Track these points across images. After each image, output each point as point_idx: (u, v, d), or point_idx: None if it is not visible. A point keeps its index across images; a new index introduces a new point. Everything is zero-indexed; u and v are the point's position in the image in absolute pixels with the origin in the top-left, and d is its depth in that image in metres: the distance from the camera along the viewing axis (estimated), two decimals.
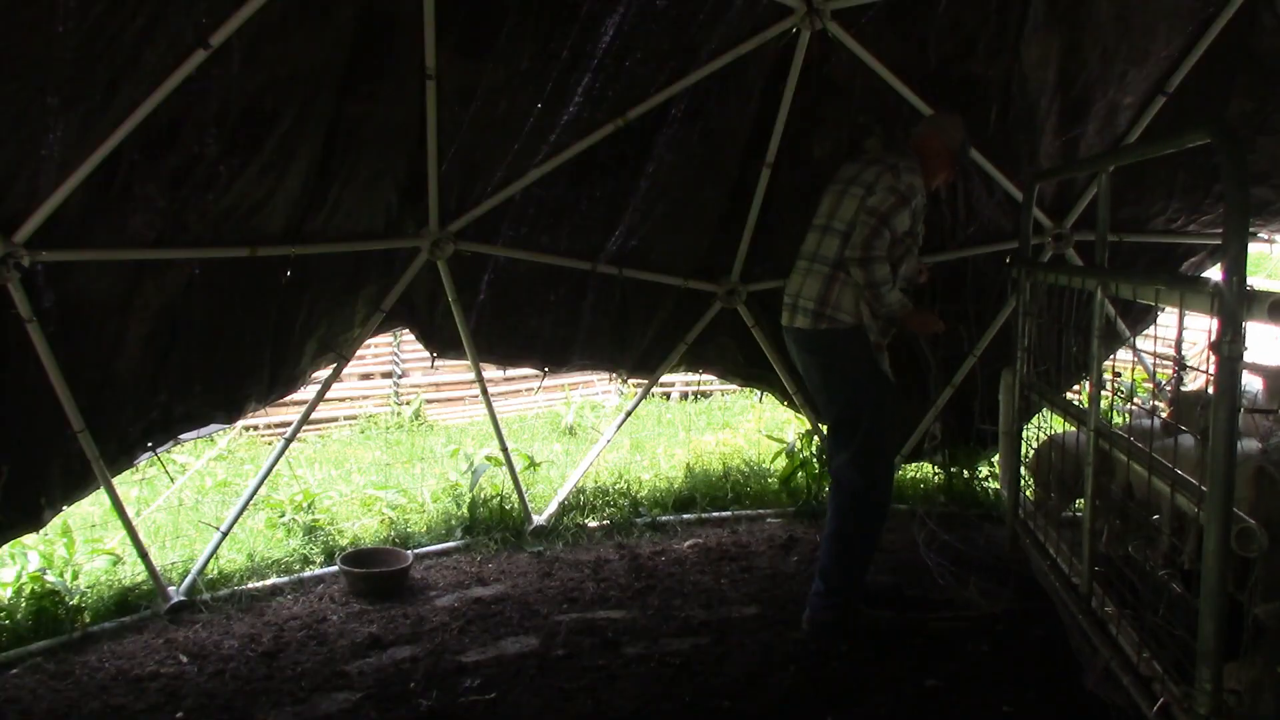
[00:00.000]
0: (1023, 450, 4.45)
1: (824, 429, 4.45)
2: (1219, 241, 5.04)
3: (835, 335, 3.73)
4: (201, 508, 6.10)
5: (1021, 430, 4.40)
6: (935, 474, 5.84)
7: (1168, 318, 5.36)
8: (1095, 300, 3.36)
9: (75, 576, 4.16)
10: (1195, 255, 5.30)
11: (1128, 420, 3.76)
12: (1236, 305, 2.27)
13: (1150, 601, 2.91)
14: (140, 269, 3.72)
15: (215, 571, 4.47)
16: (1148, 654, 2.81)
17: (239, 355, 4.15)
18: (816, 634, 3.78)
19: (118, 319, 3.75)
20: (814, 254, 3.81)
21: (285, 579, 4.53)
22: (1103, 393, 3.49)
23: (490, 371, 8.26)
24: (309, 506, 5.31)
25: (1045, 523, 4.05)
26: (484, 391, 5.12)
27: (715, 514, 5.59)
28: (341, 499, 5.73)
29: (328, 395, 5.53)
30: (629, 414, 5.65)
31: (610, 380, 10.31)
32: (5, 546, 3.91)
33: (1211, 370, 2.35)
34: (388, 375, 10.38)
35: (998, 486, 5.70)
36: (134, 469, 4.27)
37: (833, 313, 3.71)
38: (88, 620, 3.98)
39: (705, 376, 7.57)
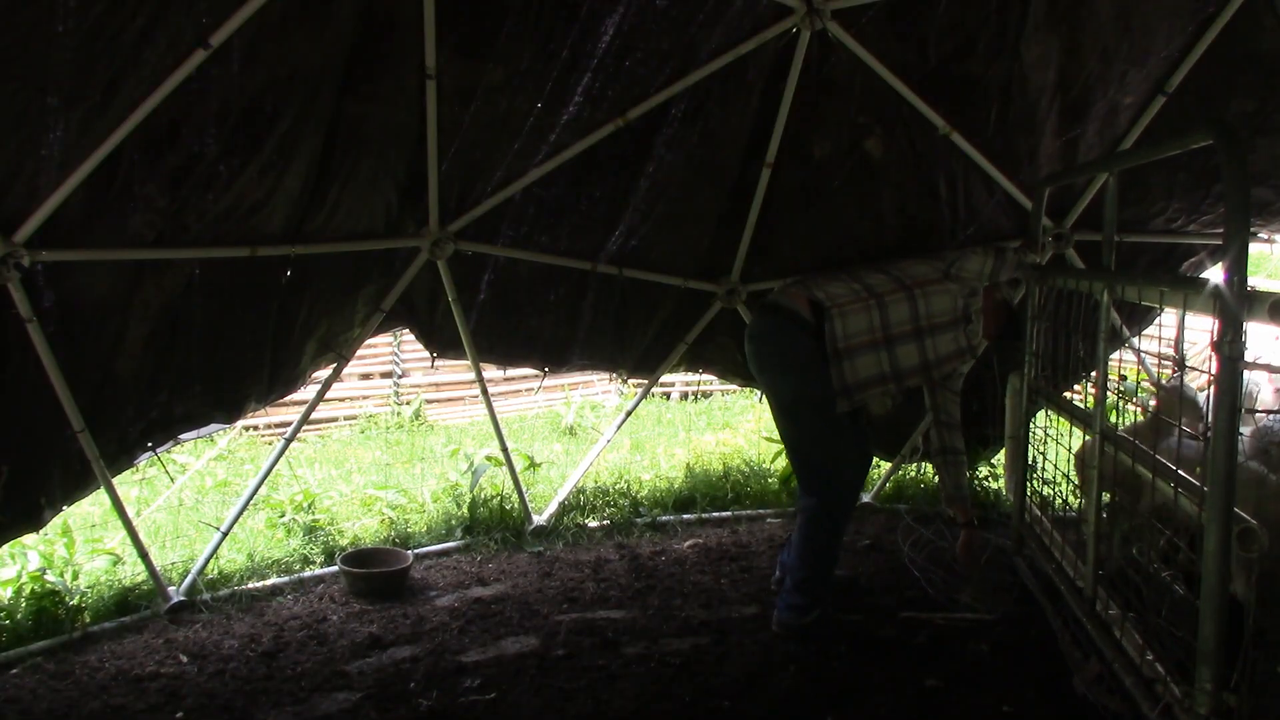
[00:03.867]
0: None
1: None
2: (1219, 242, 5.04)
3: (777, 311, 3.83)
4: (201, 508, 6.11)
5: (1028, 434, 4.38)
6: (935, 474, 5.84)
7: (1167, 317, 5.36)
8: (1103, 303, 3.36)
9: (75, 576, 4.17)
10: (1195, 255, 5.29)
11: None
12: (1237, 305, 2.28)
13: (1153, 603, 2.91)
14: (140, 269, 3.71)
15: (215, 571, 4.47)
16: (1151, 655, 2.81)
17: (239, 355, 4.15)
18: (784, 634, 3.80)
19: (118, 319, 3.75)
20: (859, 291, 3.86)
21: (285, 579, 4.53)
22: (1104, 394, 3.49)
23: (490, 371, 8.26)
24: (309, 506, 5.31)
25: (1052, 526, 4.03)
26: (484, 391, 5.12)
27: (715, 514, 5.59)
28: (341, 499, 5.73)
29: (328, 395, 5.53)
30: (629, 414, 5.65)
31: (610, 380, 10.31)
32: (5, 546, 3.91)
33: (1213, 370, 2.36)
34: (388, 375, 10.39)
35: (997, 487, 5.71)
36: (134, 469, 4.27)
37: (804, 287, 3.83)
38: (88, 620, 3.98)
39: (705, 376, 7.57)
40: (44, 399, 3.60)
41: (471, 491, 5.43)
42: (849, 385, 3.74)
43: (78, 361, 3.68)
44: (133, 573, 4.38)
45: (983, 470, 5.75)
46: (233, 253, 3.87)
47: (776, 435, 6.19)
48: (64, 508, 3.92)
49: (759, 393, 6.59)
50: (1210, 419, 2.37)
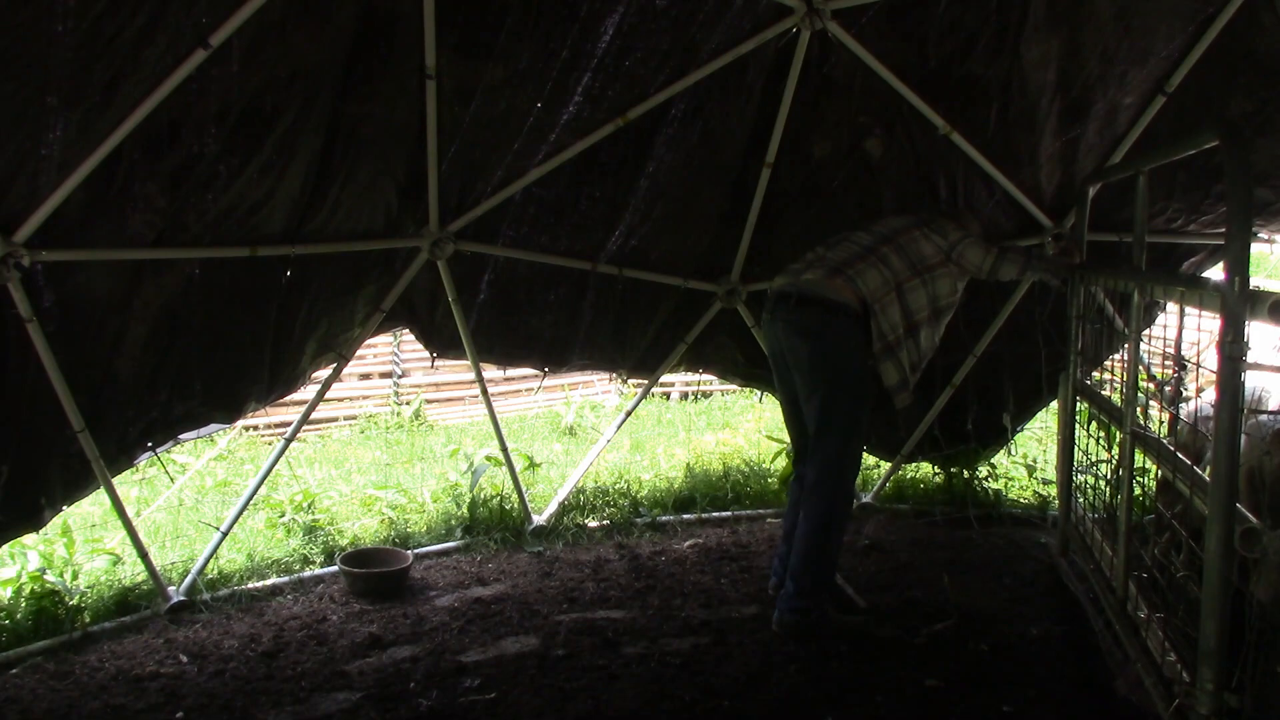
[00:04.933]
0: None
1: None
2: (1219, 241, 5.04)
3: (837, 310, 3.73)
4: (201, 508, 6.10)
5: (1074, 434, 4.35)
6: (935, 474, 5.84)
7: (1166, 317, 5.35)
8: (1133, 302, 3.36)
9: (75, 576, 4.17)
10: (1195, 255, 5.30)
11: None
12: (1239, 305, 2.28)
13: (1173, 603, 2.91)
14: (140, 269, 3.71)
15: (215, 571, 4.46)
16: (1172, 656, 2.81)
17: (239, 355, 4.15)
18: (786, 635, 3.79)
19: (118, 319, 3.75)
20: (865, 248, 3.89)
21: (285, 579, 4.53)
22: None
23: (490, 371, 8.26)
24: (309, 506, 5.31)
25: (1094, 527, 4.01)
26: (484, 391, 5.12)
27: (715, 514, 5.59)
28: (341, 499, 5.73)
29: (328, 395, 5.52)
30: (629, 414, 5.64)
31: (610, 380, 10.31)
32: (5, 546, 3.91)
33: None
34: (388, 375, 10.38)
35: (998, 487, 5.71)
36: (134, 469, 4.27)
37: (849, 280, 3.76)
38: (88, 620, 3.98)
39: (705, 376, 7.57)
40: (44, 399, 3.60)
41: (471, 491, 5.43)
42: (902, 380, 3.85)
43: (78, 361, 3.67)
44: (133, 573, 4.38)
45: (982, 471, 5.75)
46: (233, 253, 3.87)
47: (778, 435, 6.21)
48: (64, 508, 3.91)
49: (759, 393, 6.59)
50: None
